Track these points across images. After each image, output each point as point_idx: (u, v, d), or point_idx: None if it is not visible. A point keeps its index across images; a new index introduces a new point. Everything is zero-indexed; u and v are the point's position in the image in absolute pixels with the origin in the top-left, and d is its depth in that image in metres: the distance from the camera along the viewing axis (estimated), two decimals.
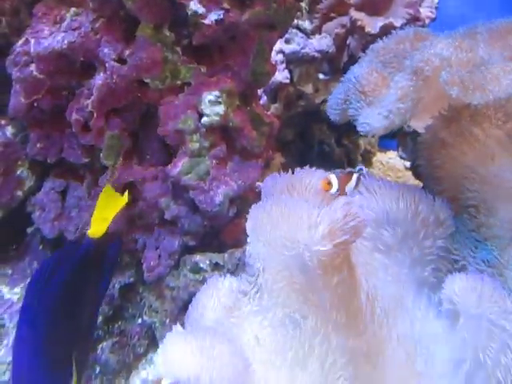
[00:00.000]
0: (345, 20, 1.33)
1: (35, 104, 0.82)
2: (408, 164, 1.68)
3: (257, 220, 0.59)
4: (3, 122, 0.86)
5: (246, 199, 0.88)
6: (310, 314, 0.59)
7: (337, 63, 1.35)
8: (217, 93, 0.81)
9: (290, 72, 1.34)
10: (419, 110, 0.75)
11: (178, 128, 0.81)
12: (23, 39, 0.81)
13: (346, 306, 0.59)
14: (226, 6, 0.79)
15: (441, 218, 0.69)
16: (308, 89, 1.37)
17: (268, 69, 0.88)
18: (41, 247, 0.96)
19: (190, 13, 0.78)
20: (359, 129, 0.85)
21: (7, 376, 0.78)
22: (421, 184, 1.05)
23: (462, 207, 0.73)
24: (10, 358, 0.76)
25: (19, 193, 0.88)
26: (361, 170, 0.71)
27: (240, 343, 0.58)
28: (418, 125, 0.89)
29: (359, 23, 1.25)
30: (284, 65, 1.29)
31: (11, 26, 0.89)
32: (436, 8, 1.61)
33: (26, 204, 0.91)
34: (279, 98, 1.33)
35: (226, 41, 0.84)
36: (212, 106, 0.81)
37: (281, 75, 1.27)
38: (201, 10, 0.77)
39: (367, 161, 1.78)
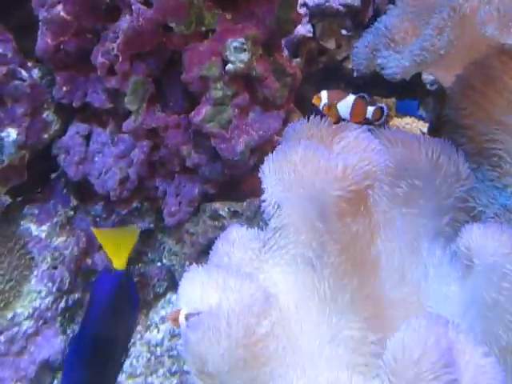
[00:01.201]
0: None
1: (61, 46, 0.82)
2: (425, 129, 1.66)
3: (276, 163, 0.60)
4: (30, 64, 0.87)
5: (265, 150, 0.90)
6: (326, 255, 0.61)
7: (361, 18, 1.32)
8: (242, 39, 0.81)
9: (313, 26, 1.32)
10: (451, 56, 0.74)
11: (202, 74, 0.82)
12: None
13: (363, 249, 0.61)
14: None
15: (461, 169, 0.69)
16: (330, 44, 1.35)
17: (293, 16, 0.87)
18: (65, 191, 1.00)
19: None
20: (388, 75, 0.84)
21: (38, 302, 0.84)
22: None
23: (484, 157, 0.73)
24: (40, 287, 0.82)
25: (45, 135, 0.90)
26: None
27: (260, 280, 0.61)
28: (446, 77, 0.88)
29: None
30: (307, 18, 1.27)
31: None
32: None
33: (52, 147, 0.93)
34: (301, 53, 1.31)
35: None
36: (237, 52, 0.80)
37: (303, 28, 1.25)
38: None
39: (384, 125, 1.76)
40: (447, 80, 0.84)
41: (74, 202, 0.99)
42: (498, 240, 0.54)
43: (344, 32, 1.39)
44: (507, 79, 0.75)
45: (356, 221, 0.60)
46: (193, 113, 0.85)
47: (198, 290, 0.54)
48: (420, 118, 1.59)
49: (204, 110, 0.83)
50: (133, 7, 0.78)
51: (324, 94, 0.67)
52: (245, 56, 0.81)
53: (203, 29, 0.84)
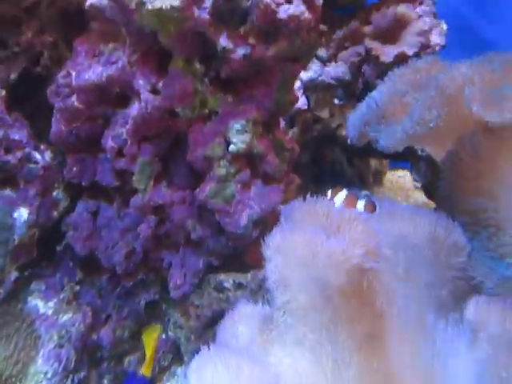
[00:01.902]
0: (360, 49, 1.39)
1: (73, 131, 0.88)
2: (418, 184, 1.72)
3: (278, 244, 0.63)
4: (43, 146, 0.92)
5: (267, 222, 0.93)
6: (333, 333, 0.63)
7: (352, 90, 1.40)
8: (243, 122, 0.87)
9: (307, 98, 1.40)
10: (440, 131, 0.79)
11: (206, 154, 0.87)
12: (65, 71, 0.87)
13: (369, 325, 0.62)
14: (252, 41, 0.85)
15: (458, 241, 0.72)
16: (324, 114, 1.42)
17: (290, 99, 0.93)
18: (71, 264, 1.01)
19: (219, 48, 0.84)
20: (381, 147, 0.89)
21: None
22: (432, 203, 1.09)
23: (480, 228, 0.76)
24: (46, 368, 0.82)
25: (55, 213, 0.93)
26: (368, 197, 0.75)
27: (269, 363, 0.62)
28: (437, 151, 0.94)
29: (374, 52, 1.31)
30: (301, 91, 1.35)
31: (52, 58, 0.96)
32: (446, 35, 1.67)
33: (61, 224, 0.96)
34: (297, 123, 1.38)
35: (252, 72, 0.90)
36: (239, 134, 0.86)
37: (299, 101, 1.32)
38: (230, 45, 0.83)
39: (378, 181, 1.82)
40: (439, 154, 0.89)
41: (79, 275, 1.01)
42: (503, 315, 0.56)
43: (336, 101, 1.48)
44: (495, 155, 0.80)
45: (359, 299, 0.62)
46: (198, 190, 0.89)
47: (209, 375, 0.55)
48: (414, 179, 1.64)
49: (208, 187, 0.88)
50: (141, 96, 0.84)
51: (340, 197, 0.72)
52: (246, 137, 0.86)
53: (206, 111, 0.90)
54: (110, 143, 0.86)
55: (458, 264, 0.72)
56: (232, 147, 0.86)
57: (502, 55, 0.92)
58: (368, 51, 1.34)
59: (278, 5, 0.82)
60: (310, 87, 1.37)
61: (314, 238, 0.60)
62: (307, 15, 0.83)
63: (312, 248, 0.59)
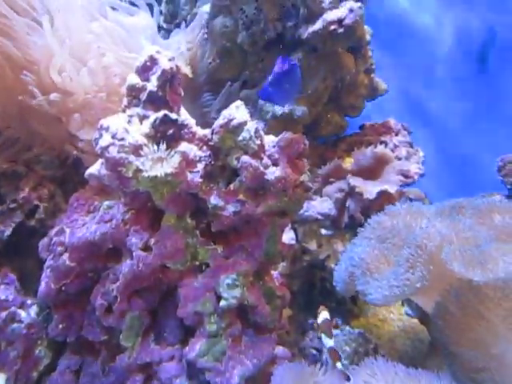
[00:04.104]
0: (343, 185, 1.47)
1: (63, 288, 0.87)
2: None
3: None
4: (29, 301, 0.91)
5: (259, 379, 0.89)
6: None
7: (338, 223, 1.45)
8: (234, 276, 0.87)
9: (295, 230, 1.44)
10: (426, 286, 0.81)
11: (197, 310, 0.86)
12: (59, 228, 0.89)
13: None
14: (241, 197, 0.89)
15: None
16: (312, 245, 1.45)
17: (280, 249, 0.95)
18: None
19: (210, 205, 0.87)
20: (370, 302, 0.90)
21: None
22: (425, 330, 1.07)
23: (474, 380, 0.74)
24: None
25: (34, 374, 0.88)
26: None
27: None
28: (424, 301, 0.94)
29: (357, 189, 1.38)
30: (289, 226, 1.39)
31: (47, 210, 0.99)
32: (423, 162, 1.79)
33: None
34: (286, 257, 1.39)
35: (241, 225, 0.93)
36: (230, 289, 0.86)
37: (287, 237, 1.35)
38: (220, 203, 0.87)
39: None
40: (428, 306, 0.89)
41: None
42: None
43: (324, 231, 1.52)
44: (481, 308, 0.81)
45: None
46: (187, 348, 0.86)
47: None
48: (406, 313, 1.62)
49: (198, 345, 0.85)
50: (133, 253, 0.85)
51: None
52: (237, 292, 0.86)
53: (197, 263, 0.91)
54: (99, 301, 0.85)
55: None
56: (223, 303, 0.85)
57: (471, 202, 0.98)
58: (351, 188, 1.42)
59: (266, 167, 0.88)
60: (297, 221, 1.41)
61: None
62: (292, 176, 0.88)
63: None
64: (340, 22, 1.40)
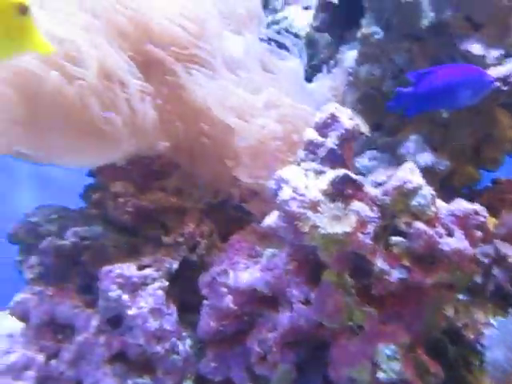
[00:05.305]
0: (489, 249, 1.35)
1: (221, 328, 0.90)
2: None
3: None
4: (184, 333, 0.95)
5: None
6: None
7: (482, 292, 1.33)
8: (393, 347, 0.83)
9: None
10: None
11: (351, 376, 0.83)
12: (221, 267, 0.93)
13: None
14: (406, 263, 0.86)
15: None
16: (449, 311, 1.35)
17: (440, 323, 0.89)
18: None
19: (376, 268, 0.85)
20: None
21: None
22: None
23: None
24: None
25: None
26: None
27: None
28: None
29: (510, 259, 1.26)
30: None
31: (206, 247, 1.03)
32: None
33: None
34: None
35: (401, 290, 0.89)
36: (389, 361, 0.82)
37: None
38: (386, 267, 0.84)
39: None
40: None
41: None
42: None
43: (461, 297, 1.41)
44: None
45: None
46: None
47: None
48: None
49: None
50: (294, 306, 0.85)
51: None
52: (397, 365, 0.82)
53: (351, 323, 0.88)
54: (256, 348, 0.86)
55: None
56: (382, 375, 0.81)
57: None
58: (500, 255, 1.30)
59: (440, 236, 0.84)
60: None
61: None
62: (470, 250, 0.83)
63: None
64: (505, 79, 1.32)
